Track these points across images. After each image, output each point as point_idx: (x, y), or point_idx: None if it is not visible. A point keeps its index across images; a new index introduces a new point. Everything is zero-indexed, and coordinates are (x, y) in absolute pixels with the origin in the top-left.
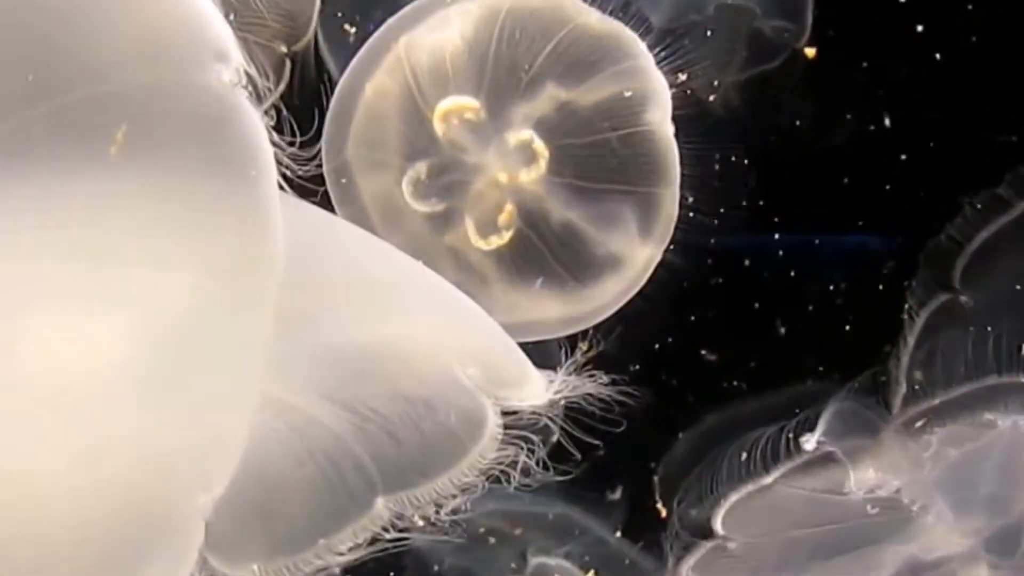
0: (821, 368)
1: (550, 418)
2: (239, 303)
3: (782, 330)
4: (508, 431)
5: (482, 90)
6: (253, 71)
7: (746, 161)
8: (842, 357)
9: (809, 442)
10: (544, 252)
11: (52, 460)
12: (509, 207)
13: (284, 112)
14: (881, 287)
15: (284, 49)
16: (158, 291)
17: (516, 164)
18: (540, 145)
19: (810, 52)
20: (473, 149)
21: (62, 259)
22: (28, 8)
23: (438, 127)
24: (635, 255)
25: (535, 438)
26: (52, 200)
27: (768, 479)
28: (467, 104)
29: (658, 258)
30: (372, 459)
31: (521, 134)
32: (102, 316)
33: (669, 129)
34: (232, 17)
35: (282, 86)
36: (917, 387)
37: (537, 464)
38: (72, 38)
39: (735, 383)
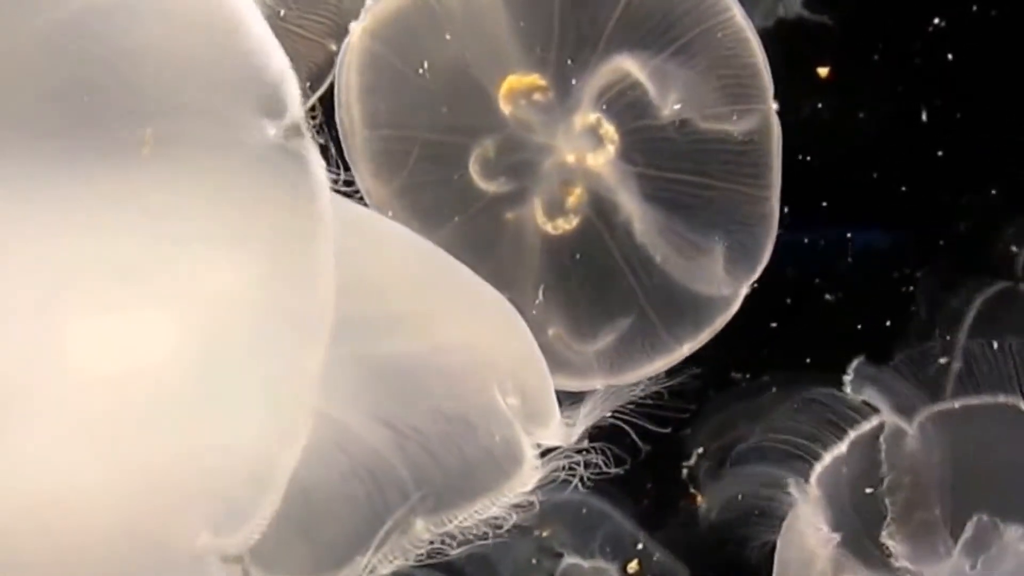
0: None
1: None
2: (294, 317)
3: (793, 327)
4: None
5: (549, 56)
6: (305, 126)
7: None
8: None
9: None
10: (614, 252)
11: (81, 461)
12: (578, 190)
13: (332, 151)
14: (894, 282)
15: (334, 47)
16: (215, 300)
17: (584, 146)
18: (609, 129)
19: (823, 72)
20: (540, 129)
21: (109, 269)
22: (94, 54)
23: (503, 105)
24: (716, 287)
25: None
26: (99, 207)
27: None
28: (535, 82)
29: (744, 291)
30: (411, 477)
31: (588, 117)
32: (153, 325)
33: (772, 109)
34: (283, 13)
35: (327, 83)
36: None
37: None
38: (127, 78)
39: (752, 377)
